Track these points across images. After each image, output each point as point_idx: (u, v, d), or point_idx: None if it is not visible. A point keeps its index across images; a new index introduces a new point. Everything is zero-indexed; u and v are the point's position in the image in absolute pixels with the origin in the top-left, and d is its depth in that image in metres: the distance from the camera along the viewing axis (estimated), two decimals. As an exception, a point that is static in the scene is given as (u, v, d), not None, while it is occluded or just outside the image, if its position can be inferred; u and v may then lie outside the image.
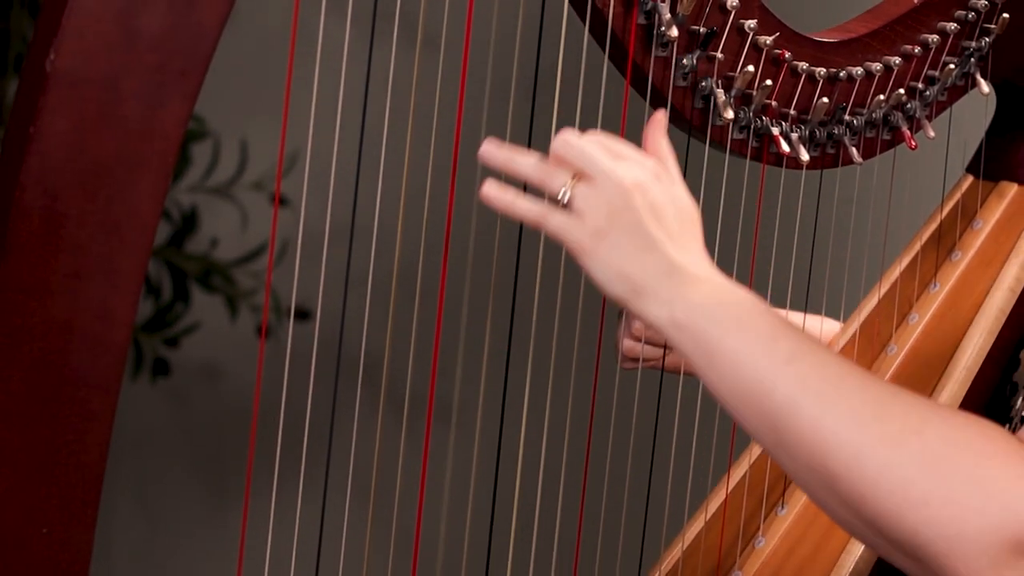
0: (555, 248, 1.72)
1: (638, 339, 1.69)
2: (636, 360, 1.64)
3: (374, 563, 1.63)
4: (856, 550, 1.62)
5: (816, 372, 1.00)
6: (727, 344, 1.01)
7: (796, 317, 1.73)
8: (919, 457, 0.97)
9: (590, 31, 1.61)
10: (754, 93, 1.61)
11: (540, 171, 1.07)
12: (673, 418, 1.71)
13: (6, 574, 1.59)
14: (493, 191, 1.03)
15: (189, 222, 2.39)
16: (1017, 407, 1.60)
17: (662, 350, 1.62)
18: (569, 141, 1.08)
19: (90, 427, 1.50)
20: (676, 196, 1.06)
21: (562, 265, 1.73)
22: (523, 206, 1.07)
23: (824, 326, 1.74)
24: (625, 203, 1.03)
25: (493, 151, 1.11)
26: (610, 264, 1.04)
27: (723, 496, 1.67)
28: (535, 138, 1.78)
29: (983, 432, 0.99)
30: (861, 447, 0.97)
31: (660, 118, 1.13)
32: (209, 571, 2.40)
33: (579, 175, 1.05)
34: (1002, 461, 0.96)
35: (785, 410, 1.00)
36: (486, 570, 1.69)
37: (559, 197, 1.05)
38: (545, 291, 1.75)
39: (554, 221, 1.07)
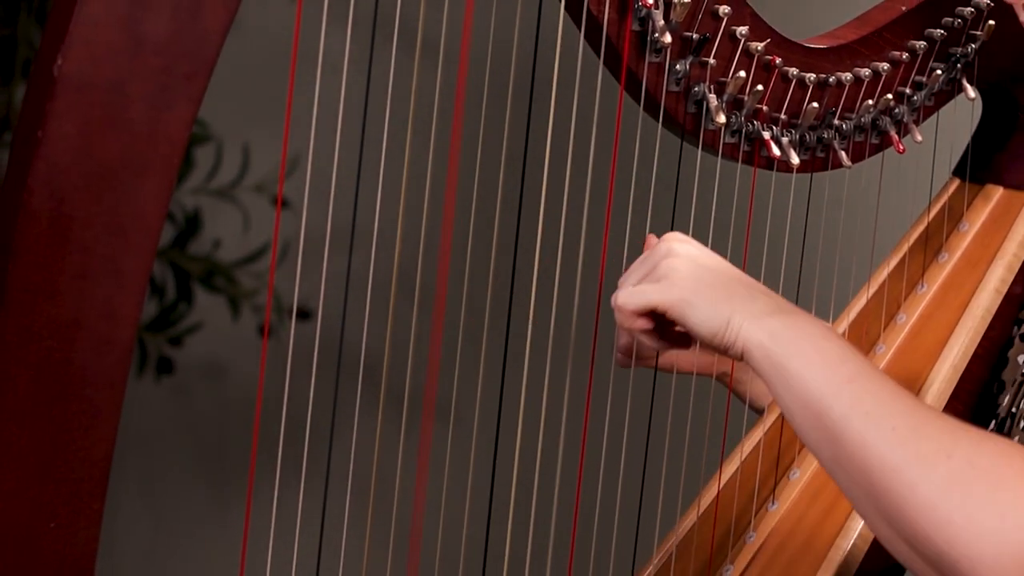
0: (551, 250, 1.74)
1: (634, 337, 1.71)
2: (632, 358, 1.66)
3: (374, 559, 1.64)
4: (845, 545, 1.64)
5: (870, 393, 1.10)
6: (799, 365, 1.12)
7: None
8: (946, 478, 1.05)
9: (585, 37, 1.63)
10: (745, 98, 1.63)
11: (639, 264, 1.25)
12: (666, 417, 1.73)
13: (14, 568, 1.60)
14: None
15: (192, 224, 2.41)
16: (1004, 404, 1.62)
17: (655, 349, 1.64)
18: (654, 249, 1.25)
19: (96, 424, 1.52)
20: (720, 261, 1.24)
21: (559, 266, 1.74)
22: (628, 298, 1.25)
23: None
24: (698, 266, 1.22)
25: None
26: (705, 308, 1.18)
27: (715, 492, 1.69)
28: (532, 141, 1.80)
29: (1008, 455, 1.06)
30: (897, 463, 1.06)
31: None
32: (212, 565, 2.42)
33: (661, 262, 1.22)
34: (1021, 484, 1.03)
35: (840, 424, 1.09)
36: (483, 566, 1.70)
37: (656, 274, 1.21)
38: (541, 292, 1.76)
39: (656, 294, 1.22)
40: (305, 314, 2.09)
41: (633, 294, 1.25)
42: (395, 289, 1.64)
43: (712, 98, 1.62)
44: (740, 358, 1.23)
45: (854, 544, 1.64)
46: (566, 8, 1.63)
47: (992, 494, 1.02)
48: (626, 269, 1.73)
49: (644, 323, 1.27)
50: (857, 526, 1.64)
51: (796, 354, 1.15)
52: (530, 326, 1.78)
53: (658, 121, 1.64)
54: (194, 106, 1.47)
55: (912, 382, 1.72)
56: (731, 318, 1.20)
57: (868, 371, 1.12)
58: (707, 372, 1.75)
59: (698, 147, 1.65)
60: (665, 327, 1.29)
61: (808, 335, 1.16)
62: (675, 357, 1.66)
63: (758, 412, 1.79)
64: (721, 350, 1.23)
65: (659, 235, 1.70)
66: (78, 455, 1.52)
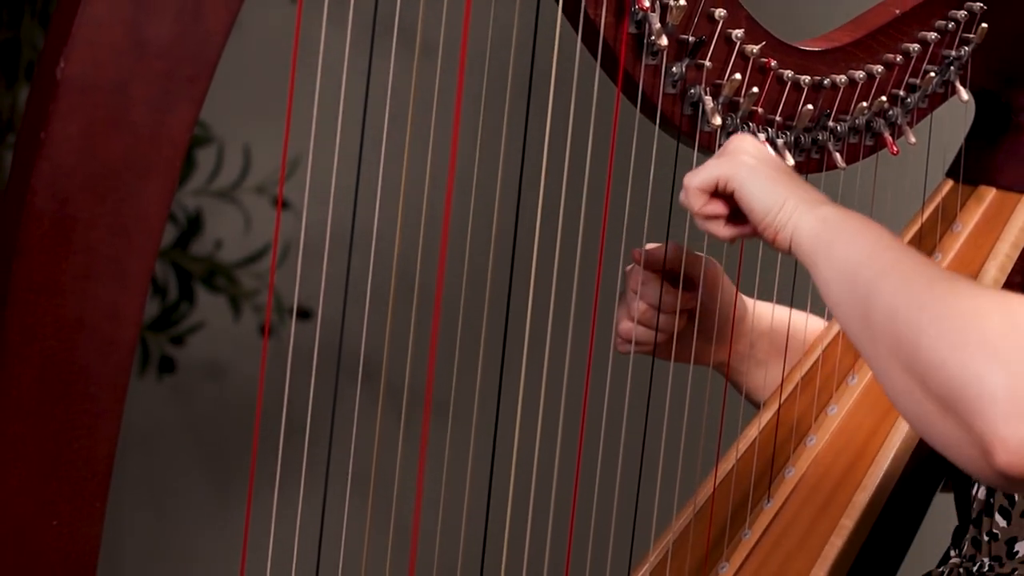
0: (550, 251, 1.76)
1: (634, 321, 1.72)
2: (631, 343, 1.67)
3: (373, 556, 1.65)
4: (839, 542, 1.65)
5: (904, 257, 1.22)
6: (845, 240, 1.23)
7: (782, 313, 1.76)
8: (966, 312, 1.15)
9: (582, 40, 1.64)
10: (741, 100, 1.64)
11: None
12: (663, 415, 1.74)
13: (18, 565, 1.61)
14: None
15: (194, 224, 2.43)
16: None
17: (655, 334, 1.66)
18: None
19: (99, 422, 1.53)
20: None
21: (556, 266, 1.76)
22: (694, 174, 1.33)
23: (809, 323, 1.77)
24: (745, 147, 1.33)
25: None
26: (765, 184, 1.28)
27: (711, 489, 1.70)
28: (529, 143, 1.81)
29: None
30: (922, 303, 1.16)
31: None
32: (213, 562, 2.43)
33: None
34: None
35: (873, 284, 1.19)
36: (482, 563, 1.71)
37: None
38: (539, 292, 1.77)
39: (720, 167, 1.31)
40: (305, 314, 2.10)
41: (700, 170, 1.32)
42: (394, 288, 1.65)
43: (708, 100, 1.63)
44: (787, 247, 1.30)
45: (848, 541, 1.66)
46: (563, 11, 1.64)
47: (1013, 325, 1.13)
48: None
49: (712, 207, 1.33)
50: (851, 524, 1.65)
51: (844, 231, 1.25)
52: (528, 325, 1.79)
53: (655, 123, 1.65)
54: (196, 108, 1.48)
55: None
56: (787, 201, 1.28)
57: (907, 250, 1.24)
58: (704, 362, 1.77)
59: (694, 149, 1.66)
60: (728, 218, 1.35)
61: (857, 220, 1.26)
62: (673, 346, 1.68)
63: (755, 405, 1.81)
64: (769, 233, 1.30)
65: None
66: (81, 454, 1.53)
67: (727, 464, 1.72)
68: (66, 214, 1.54)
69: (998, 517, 1.74)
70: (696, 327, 1.69)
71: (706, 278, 1.67)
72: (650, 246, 1.67)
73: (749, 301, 1.74)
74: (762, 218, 1.30)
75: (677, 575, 1.66)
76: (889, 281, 1.19)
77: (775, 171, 1.31)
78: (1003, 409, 1.11)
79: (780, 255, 1.72)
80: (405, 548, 1.69)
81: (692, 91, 1.64)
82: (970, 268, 1.72)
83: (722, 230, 1.36)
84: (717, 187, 1.34)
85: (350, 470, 1.58)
